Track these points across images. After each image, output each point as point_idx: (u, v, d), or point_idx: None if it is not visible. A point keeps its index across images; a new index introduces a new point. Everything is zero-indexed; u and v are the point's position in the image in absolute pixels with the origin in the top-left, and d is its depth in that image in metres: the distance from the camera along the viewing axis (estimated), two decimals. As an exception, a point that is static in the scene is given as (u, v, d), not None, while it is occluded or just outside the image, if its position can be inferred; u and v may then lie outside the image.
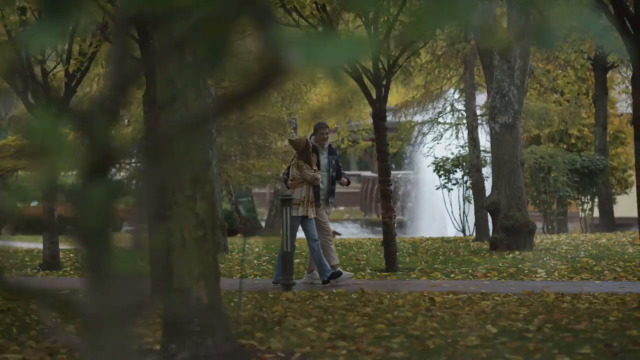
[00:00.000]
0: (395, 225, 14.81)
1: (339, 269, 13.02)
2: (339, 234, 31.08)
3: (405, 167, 39.37)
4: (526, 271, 13.69)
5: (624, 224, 31.48)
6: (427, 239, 21.35)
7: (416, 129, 23.74)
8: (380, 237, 17.37)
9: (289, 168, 13.05)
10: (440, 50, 21.11)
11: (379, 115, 14.55)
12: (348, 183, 13.35)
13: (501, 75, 16.71)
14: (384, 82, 14.49)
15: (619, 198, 34.64)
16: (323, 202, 12.99)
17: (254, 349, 7.22)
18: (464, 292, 11.15)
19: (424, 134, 23.17)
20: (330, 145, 13.37)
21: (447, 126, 22.77)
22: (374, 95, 14.56)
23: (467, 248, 18.15)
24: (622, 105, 31.97)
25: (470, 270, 14.03)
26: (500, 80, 16.71)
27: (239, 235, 37.07)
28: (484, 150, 21.02)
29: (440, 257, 16.46)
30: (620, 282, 12.33)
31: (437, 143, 22.82)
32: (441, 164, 22.90)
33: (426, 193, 32.76)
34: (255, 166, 23.03)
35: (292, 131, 36.79)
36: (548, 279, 12.91)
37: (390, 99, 18.61)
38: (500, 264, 14.67)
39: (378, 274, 14.17)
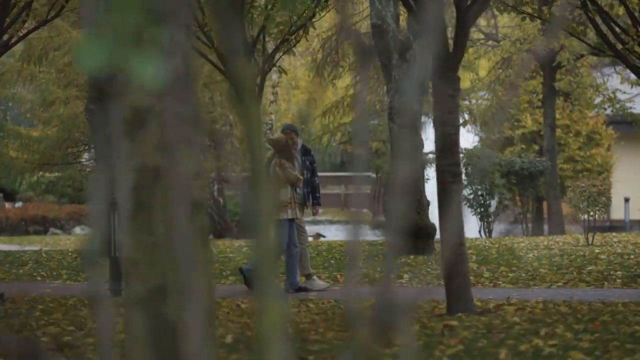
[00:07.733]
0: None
1: (315, 277, 12.50)
2: (324, 236, 30.60)
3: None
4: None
5: (602, 227, 30.78)
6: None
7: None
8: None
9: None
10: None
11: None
12: (315, 212, 12.57)
13: (400, 75, 16.27)
14: (258, 81, 14.12)
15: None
16: (299, 205, 12.34)
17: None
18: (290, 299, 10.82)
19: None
20: (304, 145, 12.82)
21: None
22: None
23: (371, 252, 17.70)
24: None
25: (339, 276, 13.65)
26: (398, 80, 16.27)
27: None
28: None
29: (331, 261, 16.06)
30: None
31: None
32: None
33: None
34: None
35: (269, 132, 36.53)
36: (404, 285, 12.52)
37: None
38: (379, 269, 14.27)
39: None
